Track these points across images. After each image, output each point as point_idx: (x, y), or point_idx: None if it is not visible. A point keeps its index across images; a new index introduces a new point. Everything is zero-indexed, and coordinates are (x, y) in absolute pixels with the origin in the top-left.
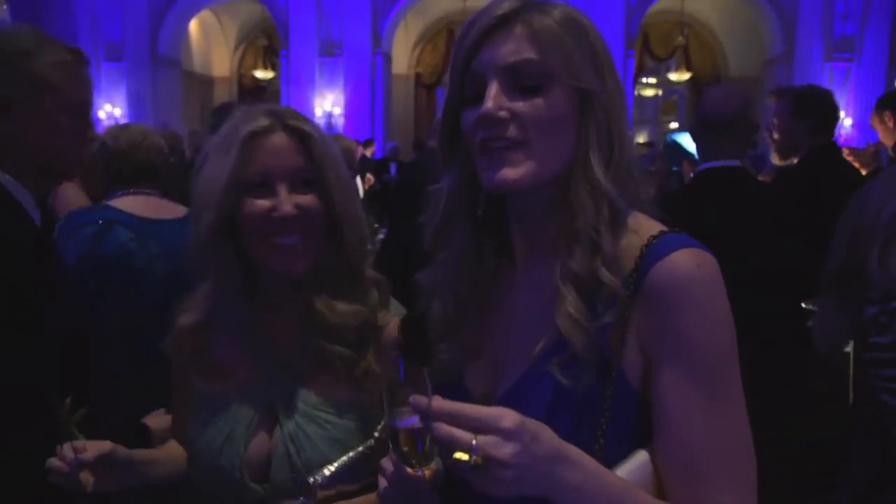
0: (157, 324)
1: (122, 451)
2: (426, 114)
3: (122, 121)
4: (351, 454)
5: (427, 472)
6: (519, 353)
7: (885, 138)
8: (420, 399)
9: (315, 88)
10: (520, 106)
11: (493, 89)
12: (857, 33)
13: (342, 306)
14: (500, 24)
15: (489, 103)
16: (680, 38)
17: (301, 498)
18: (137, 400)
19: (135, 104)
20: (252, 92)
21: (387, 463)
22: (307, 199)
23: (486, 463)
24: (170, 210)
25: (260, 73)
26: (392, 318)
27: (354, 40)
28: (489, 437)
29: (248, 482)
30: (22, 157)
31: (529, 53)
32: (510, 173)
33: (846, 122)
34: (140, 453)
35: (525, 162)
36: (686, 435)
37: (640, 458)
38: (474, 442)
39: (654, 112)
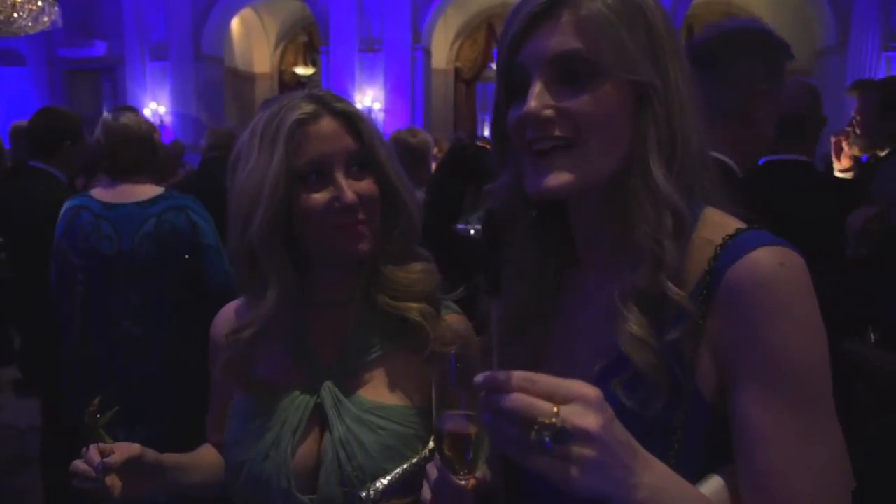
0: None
1: (151, 454)
2: (465, 109)
3: (167, 118)
4: (405, 465)
5: (470, 481)
6: (580, 368)
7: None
8: (491, 374)
9: (355, 84)
10: (566, 103)
11: (536, 86)
12: None
13: (414, 266)
14: (546, 12)
15: (532, 102)
16: None
17: None
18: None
19: (179, 101)
20: (293, 88)
21: (432, 469)
22: (365, 185)
23: (569, 434)
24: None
25: (300, 70)
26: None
27: (394, 36)
28: (571, 405)
29: (295, 491)
30: None
31: (575, 44)
32: (552, 181)
33: None
34: (171, 458)
35: (571, 167)
36: (770, 460)
37: (715, 483)
38: (556, 409)
39: None
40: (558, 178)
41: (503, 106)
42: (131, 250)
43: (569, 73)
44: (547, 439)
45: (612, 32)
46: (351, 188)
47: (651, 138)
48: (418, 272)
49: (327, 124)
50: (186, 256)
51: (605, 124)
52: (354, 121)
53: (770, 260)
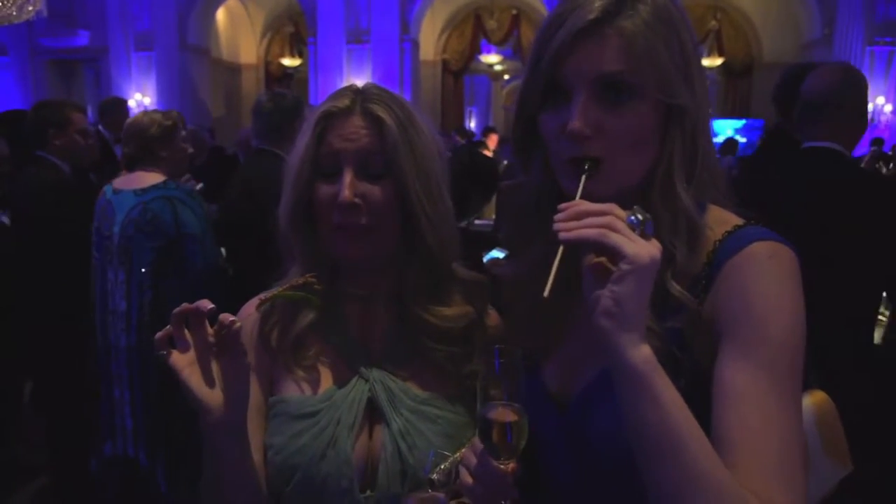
0: None
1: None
2: (453, 100)
3: (152, 109)
4: (463, 450)
5: (511, 466)
6: (591, 355)
7: None
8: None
9: (343, 76)
10: (605, 121)
11: (579, 104)
12: None
13: (447, 310)
14: (591, 28)
15: (576, 122)
16: (713, 23)
17: (430, 492)
18: None
19: (164, 92)
20: (279, 79)
21: (470, 456)
22: (376, 189)
23: (652, 225)
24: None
25: (287, 61)
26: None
27: (382, 27)
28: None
29: (356, 490)
30: None
31: (619, 65)
32: (590, 188)
33: (886, 108)
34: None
35: (604, 182)
36: (742, 416)
37: None
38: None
39: None
40: (593, 191)
41: (533, 109)
42: (119, 232)
43: (610, 92)
44: (633, 217)
45: (654, 55)
46: (357, 188)
47: (677, 154)
48: (449, 317)
49: (353, 122)
50: (165, 243)
51: (637, 143)
52: (380, 124)
53: (763, 251)
